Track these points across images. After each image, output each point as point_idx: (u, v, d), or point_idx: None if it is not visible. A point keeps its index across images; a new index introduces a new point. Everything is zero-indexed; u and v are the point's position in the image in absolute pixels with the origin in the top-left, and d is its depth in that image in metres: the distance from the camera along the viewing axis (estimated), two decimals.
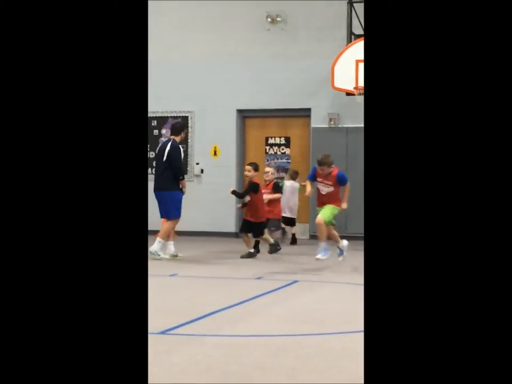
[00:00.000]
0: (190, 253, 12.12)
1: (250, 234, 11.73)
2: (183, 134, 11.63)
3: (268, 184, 12.92)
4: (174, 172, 11.13)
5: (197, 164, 15.69)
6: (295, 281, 9.15)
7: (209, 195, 13.65)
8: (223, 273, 10.01)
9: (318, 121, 15.15)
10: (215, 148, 15.57)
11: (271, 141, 15.82)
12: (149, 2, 16.61)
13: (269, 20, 15.31)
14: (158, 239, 11.05)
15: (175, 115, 15.83)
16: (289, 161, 15.71)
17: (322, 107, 14.98)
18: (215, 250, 12.84)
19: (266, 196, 12.51)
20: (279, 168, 15.68)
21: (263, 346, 5.70)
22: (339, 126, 14.96)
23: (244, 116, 15.82)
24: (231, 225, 15.48)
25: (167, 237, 11.21)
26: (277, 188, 13.05)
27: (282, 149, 15.78)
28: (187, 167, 15.24)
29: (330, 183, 10.48)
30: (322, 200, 10.62)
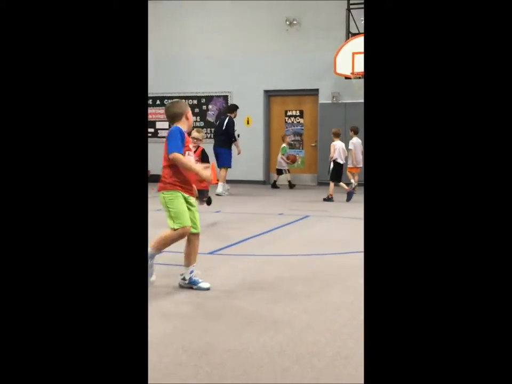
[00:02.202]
0: (230, 196, 12.24)
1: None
2: (235, 112, 12.69)
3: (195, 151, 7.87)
4: (229, 137, 12.38)
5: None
6: (307, 216, 9.24)
7: (243, 154, 13.63)
8: (255, 210, 10.09)
9: (324, 98, 15.06)
10: (248, 118, 15.54)
11: (289, 113, 15.75)
12: (196, 10, 16.32)
13: (287, 23, 15.15)
14: (220, 183, 11.75)
15: (218, 95, 15.81)
16: (302, 128, 15.66)
17: (327, 88, 14.88)
18: (248, 194, 12.92)
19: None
20: (295, 133, 15.63)
21: (284, 263, 5.80)
22: (339, 102, 14.85)
23: (269, 94, 15.74)
24: (259, 175, 15.54)
25: (223, 180, 12.03)
26: (205, 156, 7.95)
27: (297, 119, 15.72)
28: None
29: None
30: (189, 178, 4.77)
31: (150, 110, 16.05)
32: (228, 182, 13.02)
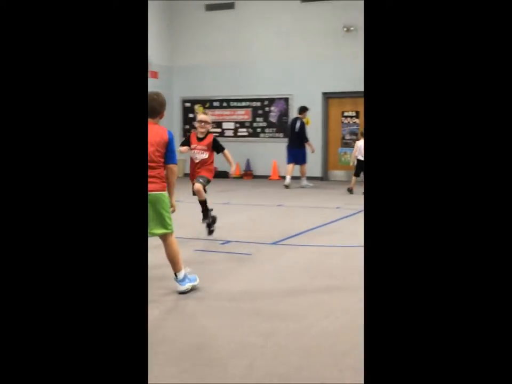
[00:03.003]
0: (291, 190, 12.25)
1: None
2: (304, 113, 13.32)
3: (204, 138, 6.37)
4: (302, 138, 13.09)
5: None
6: (362, 210, 9.13)
7: None
8: (314, 203, 10.07)
9: None
10: (307, 119, 15.51)
11: (345, 114, 15.62)
12: (261, 18, 16.31)
13: (345, 29, 15.01)
14: (302, 177, 13.01)
15: (280, 97, 15.83)
16: (358, 127, 15.51)
17: None
18: (308, 188, 12.89)
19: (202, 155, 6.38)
20: (351, 132, 15.48)
21: (341, 253, 5.80)
22: None
23: (327, 96, 15.63)
24: (318, 172, 15.48)
25: (304, 175, 13.13)
26: (217, 145, 6.38)
27: (353, 119, 15.58)
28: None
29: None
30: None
31: (217, 112, 16.21)
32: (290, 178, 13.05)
